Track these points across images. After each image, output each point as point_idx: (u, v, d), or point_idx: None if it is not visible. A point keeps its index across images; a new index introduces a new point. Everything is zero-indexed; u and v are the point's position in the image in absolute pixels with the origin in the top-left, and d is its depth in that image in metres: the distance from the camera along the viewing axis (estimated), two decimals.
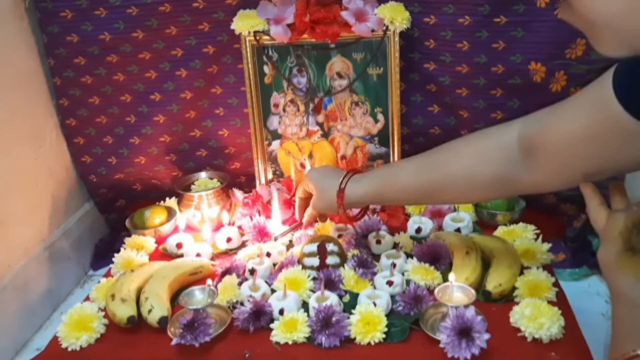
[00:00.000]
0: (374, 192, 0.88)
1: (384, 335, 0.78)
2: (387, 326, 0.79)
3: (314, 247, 0.96)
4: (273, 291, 0.88)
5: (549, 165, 0.68)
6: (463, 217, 1.06)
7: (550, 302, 0.80)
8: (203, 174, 1.24)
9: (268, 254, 0.98)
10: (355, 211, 1.01)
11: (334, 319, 0.79)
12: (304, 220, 1.02)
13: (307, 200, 1.00)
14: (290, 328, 0.80)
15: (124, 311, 0.84)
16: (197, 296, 0.85)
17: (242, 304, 0.85)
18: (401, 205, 1.10)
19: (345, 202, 0.90)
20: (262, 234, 1.06)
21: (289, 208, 1.12)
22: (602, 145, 0.60)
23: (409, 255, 0.96)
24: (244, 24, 1.07)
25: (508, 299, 0.85)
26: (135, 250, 1.04)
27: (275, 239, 1.05)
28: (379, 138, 1.15)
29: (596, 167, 0.63)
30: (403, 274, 0.91)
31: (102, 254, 1.21)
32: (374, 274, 0.91)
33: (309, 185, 0.97)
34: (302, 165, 1.18)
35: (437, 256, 0.93)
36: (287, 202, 1.13)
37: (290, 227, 1.06)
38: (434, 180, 0.81)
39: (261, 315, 0.82)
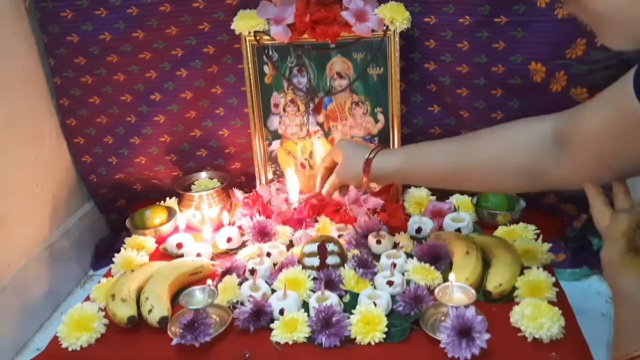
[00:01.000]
0: (401, 169, 0.87)
1: (384, 335, 0.78)
2: (387, 326, 0.79)
3: (314, 247, 0.96)
4: (273, 291, 0.89)
5: (577, 160, 0.68)
6: (463, 217, 1.06)
7: (550, 302, 0.80)
8: (203, 174, 1.24)
9: (268, 254, 0.98)
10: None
11: (334, 319, 0.79)
12: (323, 191, 0.99)
13: (330, 170, 0.97)
14: (290, 328, 0.80)
15: (124, 311, 0.84)
16: (198, 296, 0.85)
17: (242, 304, 0.85)
18: (405, 200, 1.10)
19: (371, 175, 0.89)
20: (262, 234, 1.05)
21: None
22: (624, 142, 0.60)
23: (409, 255, 0.96)
24: (244, 24, 1.07)
25: (508, 299, 0.85)
26: (135, 250, 1.04)
27: (293, 206, 1.06)
28: (379, 138, 1.15)
29: (621, 164, 0.64)
30: (403, 274, 0.91)
31: (103, 254, 1.21)
32: (374, 274, 0.91)
33: (337, 154, 0.95)
34: (303, 165, 1.18)
35: (437, 256, 0.93)
36: (287, 200, 1.12)
37: (310, 195, 1.06)
38: (462, 163, 0.81)
39: (261, 315, 0.82)
